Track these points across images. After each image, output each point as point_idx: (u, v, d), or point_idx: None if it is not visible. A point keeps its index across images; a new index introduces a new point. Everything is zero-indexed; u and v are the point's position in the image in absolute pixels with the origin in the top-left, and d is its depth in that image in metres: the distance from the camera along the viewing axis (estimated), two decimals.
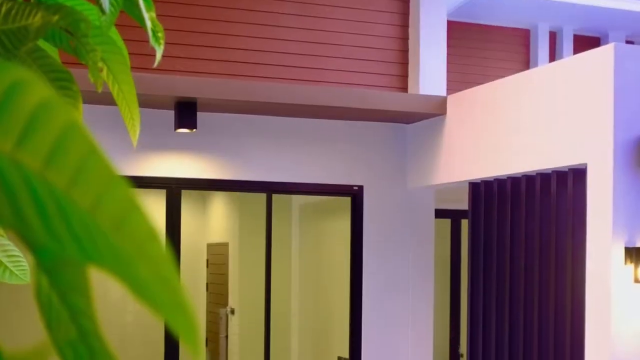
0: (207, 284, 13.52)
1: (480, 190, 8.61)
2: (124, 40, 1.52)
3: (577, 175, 7.34)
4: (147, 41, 1.43)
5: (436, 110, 9.09)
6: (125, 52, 1.47)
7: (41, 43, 1.37)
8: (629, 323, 6.74)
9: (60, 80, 1.37)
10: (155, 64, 1.54)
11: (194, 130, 8.76)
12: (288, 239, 12.22)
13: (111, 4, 1.30)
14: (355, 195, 9.62)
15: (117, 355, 0.74)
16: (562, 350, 7.36)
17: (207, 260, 13.53)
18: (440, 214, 10.66)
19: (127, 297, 11.02)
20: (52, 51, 1.43)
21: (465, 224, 10.61)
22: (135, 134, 1.59)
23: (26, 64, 1.29)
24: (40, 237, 0.63)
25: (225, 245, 12.90)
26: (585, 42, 12.53)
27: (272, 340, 9.60)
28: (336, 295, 10.89)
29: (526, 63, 12.39)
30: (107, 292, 12.13)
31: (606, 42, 12.55)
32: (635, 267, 6.75)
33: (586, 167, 7.13)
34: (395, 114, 9.25)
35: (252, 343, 11.57)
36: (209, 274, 13.51)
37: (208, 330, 13.25)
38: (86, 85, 1.63)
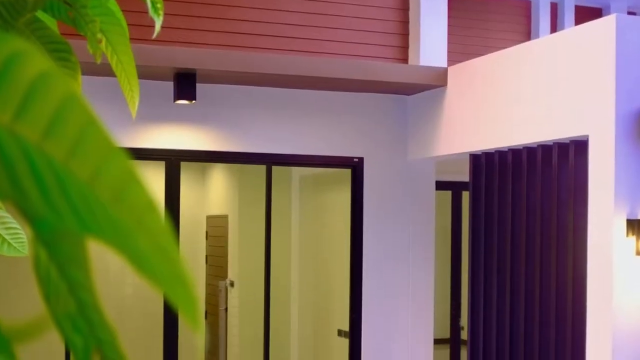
0: (206, 256, 13.51)
1: (481, 162, 8.59)
2: (122, 11, 1.49)
3: (578, 147, 7.32)
4: (146, 12, 1.41)
5: (437, 81, 9.06)
6: (124, 23, 1.45)
7: (40, 14, 1.35)
8: (631, 295, 6.74)
9: (58, 52, 1.36)
10: (155, 35, 1.52)
11: (193, 101, 8.73)
12: (288, 211, 12.20)
13: None
14: (355, 166, 9.60)
15: (116, 327, 0.74)
16: (564, 321, 7.36)
17: (207, 233, 13.52)
18: (440, 185, 10.65)
19: (126, 269, 11.03)
20: (51, 22, 1.41)
21: (466, 195, 10.60)
22: (134, 106, 1.59)
23: (24, 35, 1.27)
24: (38, 209, 0.63)
25: (224, 217, 12.89)
26: (586, 13, 12.46)
27: (271, 312, 9.60)
28: (336, 267, 10.89)
29: (527, 34, 12.32)
30: (106, 264, 12.13)
31: (608, 13, 12.48)
32: (637, 239, 6.74)
33: (588, 139, 7.11)
34: (396, 85, 9.22)
35: (251, 315, 11.58)
36: (208, 246, 13.50)
37: (207, 303, 13.25)
38: (85, 57, 1.61)
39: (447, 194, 12.56)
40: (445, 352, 12.66)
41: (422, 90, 9.39)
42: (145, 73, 8.20)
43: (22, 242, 1.86)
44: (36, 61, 0.62)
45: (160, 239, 0.62)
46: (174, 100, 8.74)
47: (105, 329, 0.73)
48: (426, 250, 9.70)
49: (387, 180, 9.62)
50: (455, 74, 8.93)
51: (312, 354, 11.95)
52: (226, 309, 12.67)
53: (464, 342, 11.06)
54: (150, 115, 8.80)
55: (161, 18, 1.42)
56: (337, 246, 10.80)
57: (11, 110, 0.62)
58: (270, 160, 9.44)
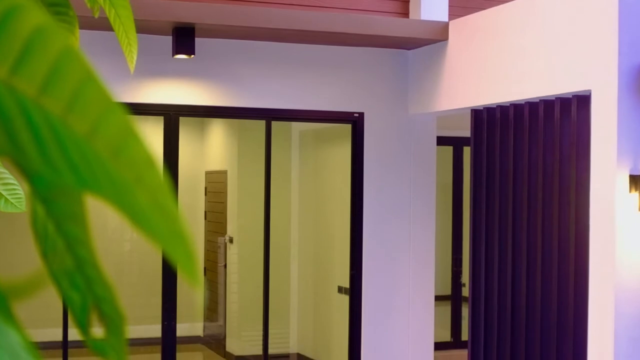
0: (205, 212, 13.51)
1: (483, 117, 8.55)
2: None
3: (580, 102, 7.28)
4: None
5: (438, 36, 8.99)
6: None
7: None
8: (633, 250, 6.72)
9: (56, 6, 1.34)
10: None
11: (192, 56, 8.67)
12: (287, 166, 12.18)
13: None
14: (355, 122, 9.55)
15: (114, 284, 0.73)
16: (566, 277, 7.35)
17: (206, 188, 13.51)
18: (442, 141, 10.62)
19: (125, 225, 11.02)
20: None
21: (467, 151, 10.57)
22: (132, 60, 1.58)
23: None
24: (36, 165, 0.62)
25: (223, 173, 12.87)
26: None
27: (271, 269, 9.60)
28: (336, 223, 10.88)
29: None
30: (104, 220, 12.13)
31: None
32: None
33: (590, 94, 7.07)
34: (397, 39, 9.15)
35: (251, 272, 11.59)
36: (207, 202, 13.50)
37: (206, 259, 13.26)
38: (83, 11, 1.56)
39: (448, 150, 12.54)
40: (447, 308, 12.70)
41: (423, 45, 9.32)
42: (143, 27, 8.13)
43: (19, 198, 1.87)
44: (33, 15, 0.61)
45: (158, 194, 0.61)
46: (173, 55, 8.68)
47: (103, 286, 0.73)
48: (427, 206, 9.67)
49: (388, 136, 9.57)
50: (457, 28, 8.87)
51: (312, 311, 11.98)
52: (225, 266, 12.67)
53: (465, 298, 11.10)
54: (149, 70, 8.75)
55: None
56: (337, 202, 10.78)
57: (8, 65, 0.61)
58: (269, 116, 9.38)
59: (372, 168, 9.51)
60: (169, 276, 8.95)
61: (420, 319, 9.52)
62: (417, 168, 9.64)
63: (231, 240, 12.57)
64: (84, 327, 0.74)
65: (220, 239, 12.82)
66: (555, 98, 7.56)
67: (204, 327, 13.36)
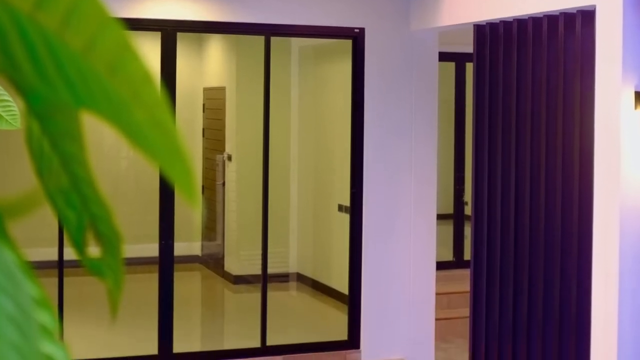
0: (203, 129, 13.43)
1: (486, 33, 8.43)
2: None
3: (585, 17, 7.16)
4: None
5: None
6: None
7: None
8: (639, 168, 6.65)
9: None
10: None
11: None
12: (287, 83, 12.08)
13: None
14: (356, 37, 9.42)
15: (111, 202, 0.73)
16: (570, 195, 7.28)
17: (204, 105, 13.43)
18: (444, 57, 10.48)
19: (121, 143, 10.93)
20: None
21: (469, 67, 10.45)
22: None
23: None
24: (31, 81, 0.63)
25: (222, 89, 12.78)
26: None
27: (270, 187, 9.53)
28: (337, 140, 10.81)
29: None
30: (100, 138, 12.05)
31: None
32: None
33: (595, 8, 6.94)
34: None
35: (250, 190, 11.52)
36: (205, 119, 13.42)
37: (205, 177, 13.21)
38: None
39: (451, 66, 12.42)
40: (449, 227, 12.70)
41: None
42: None
43: (14, 114, 1.85)
44: None
45: (156, 111, 0.62)
46: None
47: (99, 204, 0.72)
48: (429, 123, 9.56)
49: (389, 52, 9.44)
50: None
51: (312, 230, 11.96)
52: (224, 184, 12.62)
53: (468, 217, 11.05)
54: None
55: None
56: (337, 120, 10.70)
57: None
58: (268, 31, 9.25)
59: (373, 84, 9.40)
60: (167, 194, 8.89)
61: (422, 238, 9.47)
62: (419, 84, 9.52)
63: (230, 158, 12.50)
64: (80, 246, 0.74)
65: (218, 157, 12.76)
66: (560, 13, 7.43)
67: (202, 246, 13.36)
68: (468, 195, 11.71)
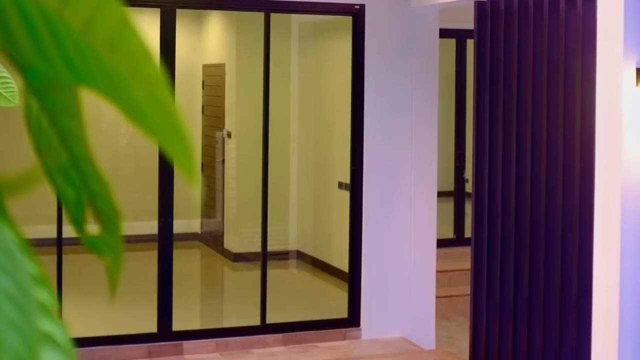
0: (202, 106, 13.40)
1: (487, 9, 8.39)
2: None
3: None
4: None
5: None
6: None
7: None
8: None
9: None
10: None
11: None
12: (287, 60, 12.04)
13: None
14: (356, 14, 9.37)
15: (110, 180, 0.73)
16: (572, 172, 7.26)
17: (203, 82, 13.40)
18: (444, 33, 10.44)
19: (120, 120, 10.91)
20: None
21: (470, 43, 10.41)
22: None
23: None
24: (30, 58, 0.63)
25: (221, 66, 12.74)
26: None
27: (270, 164, 9.51)
28: (337, 118, 10.78)
29: None
30: (99, 115, 12.02)
31: None
32: None
33: None
34: None
35: (249, 167, 11.49)
36: (204, 95, 13.39)
37: (204, 155, 13.19)
38: None
39: (451, 42, 12.38)
40: (449, 205, 12.69)
41: None
42: None
43: (12, 91, 1.85)
44: None
45: (155, 88, 0.61)
46: None
47: (98, 181, 0.72)
48: (429, 100, 9.53)
49: (389, 28, 9.40)
50: None
51: (312, 207, 11.95)
52: (223, 161, 12.60)
53: (468, 194, 11.04)
54: None
55: None
56: (337, 97, 10.66)
57: None
58: (268, 7, 9.22)
59: (373, 61, 9.36)
60: (166, 171, 8.87)
61: (423, 215, 9.46)
62: (419, 61, 9.48)
63: (229, 135, 12.47)
64: (78, 223, 0.73)
65: (218, 134, 12.73)
66: None
67: (202, 223, 13.35)
68: (469, 172, 11.70)
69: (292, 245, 12.25)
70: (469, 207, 10.34)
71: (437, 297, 9.73)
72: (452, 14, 10.40)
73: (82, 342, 8.29)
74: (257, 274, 9.51)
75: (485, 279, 8.30)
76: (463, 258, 10.91)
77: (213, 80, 13.06)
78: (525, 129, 7.83)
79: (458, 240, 12.38)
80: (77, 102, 0.71)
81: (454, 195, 12.69)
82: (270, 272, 9.56)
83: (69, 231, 8.05)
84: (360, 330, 9.39)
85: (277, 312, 9.40)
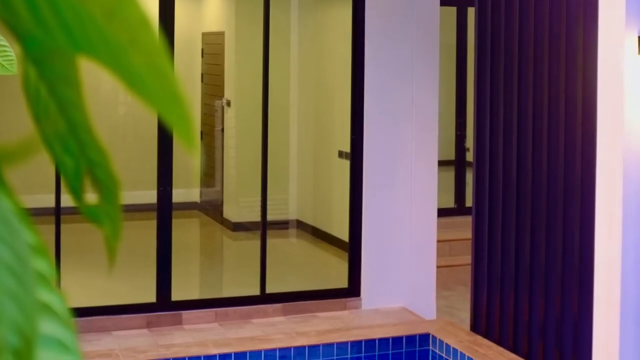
0: (202, 74, 13.37)
1: None
2: None
3: None
4: None
5: None
6: None
7: None
8: None
9: None
10: None
11: None
12: (287, 27, 11.99)
13: None
14: None
15: (108, 148, 0.72)
16: (573, 141, 7.24)
17: (202, 50, 13.36)
18: (445, 1, 10.39)
19: (119, 88, 10.86)
20: None
21: (471, 11, 10.36)
22: None
23: None
24: (28, 26, 0.62)
25: (221, 34, 12.69)
26: None
27: (270, 133, 9.49)
28: (337, 86, 10.75)
29: None
30: (98, 83, 11.97)
31: None
32: None
33: None
34: None
35: (249, 136, 11.47)
36: (204, 64, 13.36)
37: (203, 123, 13.16)
38: None
39: (452, 10, 12.33)
40: (450, 174, 12.68)
41: None
42: None
43: (10, 60, 1.84)
44: None
45: (154, 56, 0.61)
46: None
47: (97, 150, 0.72)
48: (430, 68, 9.49)
49: None
50: None
51: (312, 176, 11.93)
52: (222, 130, 12.58)
53: (469, 163, 11.03)
54: None
55: None
56: (337, 65, 10.63)
57: None
58: None
59: (373, 29, 9.30)
60: (165, 140, 8.84)
61: (423, 184, 9.44)
62: (420, 29, 9.43)
63: (229, 104, 12.44)
64: (77, 193, 0.73)
65: (217, 102, 12.70)
66: None
67: (201, 192, 13.35)
68: (470, 141, 11.68)
69: (292, 214, 12.24)
70: (469, 176, 10.33)
71: (437, 266, 9.72)
72: None
73: (81, 312, 8.29)
74: (257, 243, 9.50)
75: (486, 249, 8.29)
76: (464, 227, 10.91)
77: (212, 48, 13.02)
78: (526, 97, 7.81)
79: (459, 209, 12.38)
80: (76, 71, 0.70)
81: (454, 164, 12.68)
82: (270, 241, 9.55)
83: (67, 200, 8.03)
84: (360, 300, 9.39)
85: (276, 282, 9.40)
